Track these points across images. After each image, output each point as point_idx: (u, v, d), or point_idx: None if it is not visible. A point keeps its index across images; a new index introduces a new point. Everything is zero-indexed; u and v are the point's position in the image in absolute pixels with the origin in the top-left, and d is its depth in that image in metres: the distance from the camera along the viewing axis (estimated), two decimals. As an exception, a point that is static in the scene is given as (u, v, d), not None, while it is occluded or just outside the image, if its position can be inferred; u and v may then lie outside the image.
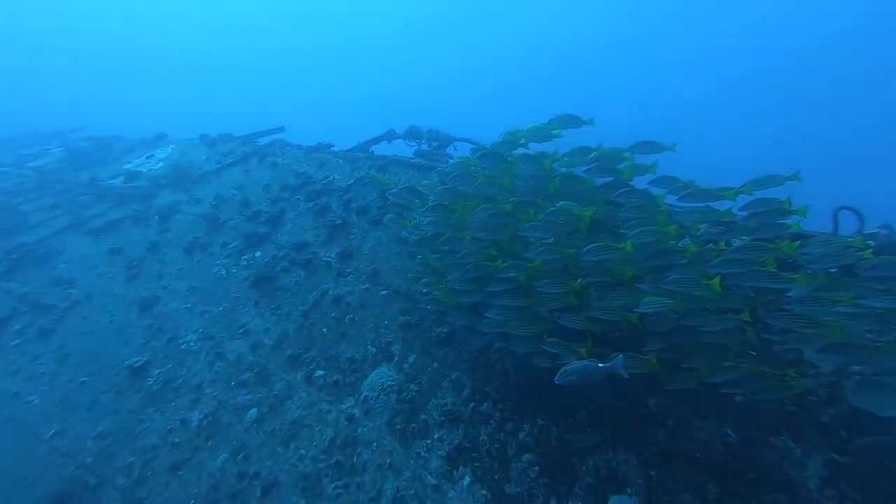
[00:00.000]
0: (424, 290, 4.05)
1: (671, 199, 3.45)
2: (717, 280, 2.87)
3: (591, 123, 3.92)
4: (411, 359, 4.32)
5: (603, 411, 3.46)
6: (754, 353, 3.10)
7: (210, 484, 3.74)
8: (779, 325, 2.84)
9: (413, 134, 8.77)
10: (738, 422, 3.13)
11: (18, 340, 5.63)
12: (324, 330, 4.79)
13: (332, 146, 9.06)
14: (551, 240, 3.32)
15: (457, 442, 3.61)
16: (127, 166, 10.34)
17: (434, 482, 3.44)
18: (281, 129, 10.57)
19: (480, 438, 3.59)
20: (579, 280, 3.28)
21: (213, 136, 10.44)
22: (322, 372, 4.37)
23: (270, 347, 4.74)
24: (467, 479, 3.39)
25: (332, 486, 3.56)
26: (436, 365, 4.22)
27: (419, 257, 4.24)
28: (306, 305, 5.05)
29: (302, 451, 3.83)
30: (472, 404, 3.82)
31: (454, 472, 3.46)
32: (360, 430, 3.88)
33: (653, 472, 3.06)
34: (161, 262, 6.33)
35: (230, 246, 6.21)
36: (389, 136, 9.17)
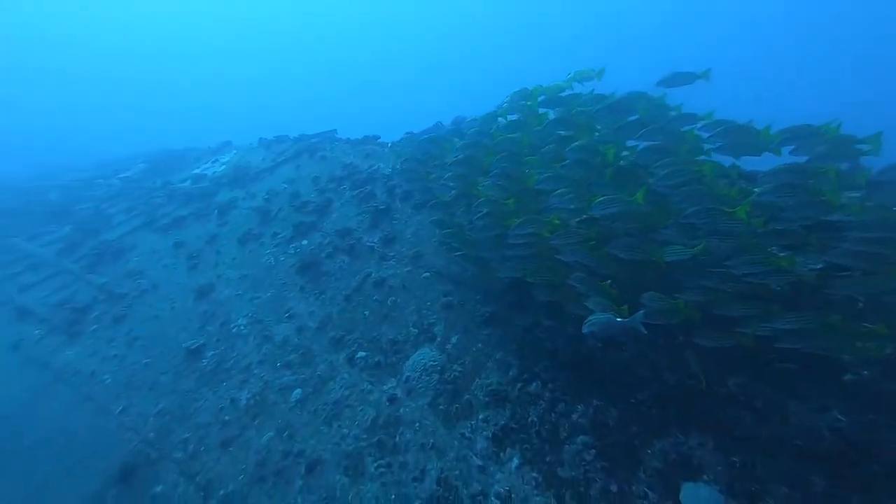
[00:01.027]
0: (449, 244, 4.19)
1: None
2: (742, 209, 2.51)
3: (600, 76, 4.04)
4: (454, 339, 4.14)
5: (670, 390, 3.07)
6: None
7: (257, 460, 3.78)
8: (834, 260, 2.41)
9: (458, 124, 8.70)
10: (849, 404, 2.63)
11: (96, 326, 6.15)
12: (366, 312, 4.74)
13: (379, 138, 9.20)
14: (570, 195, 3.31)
15: (503, 423, 3.38)
16: (195, 171, 11.19)
17: (480, 463, 3.22)
18: (333, 132, 10.89)
19: (529, 419, 3.33)
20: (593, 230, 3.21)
21: (270, 138, 11.04)
22: (364, 353, 4.31)
23: (314, 330, 4.77)
24: (516, 461, 3.15)
25: (375, 464, 3.45)
26: (480, 345, 4.00)
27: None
28: (349, 289, 5.04)
29: (344, 430, 3.76)
30: (519, 384, 3.56)
31: (501, 453, 3.23)
32: (402, 410, 3.75)
33: (735, 459, 2.65)
34: (217, 253, 6.66)
35: (279, 236, 6.40)
36: (437, 128, 9.14)
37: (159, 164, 13.11)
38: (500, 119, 4.61)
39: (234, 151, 11.54)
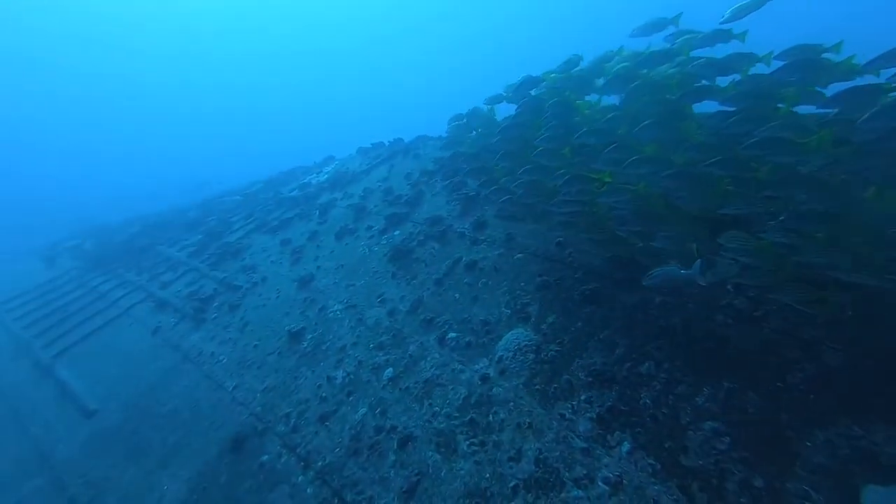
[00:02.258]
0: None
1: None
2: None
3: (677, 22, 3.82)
4: (550, 319, 3.89)
5: (835, 373, 2.52)
6: None
7: (352, 435, 3.87)
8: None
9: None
10: None
11: (216, 314, 6.94)
12: (456, 295, 4.69)
13: (473, 133, 9.28)
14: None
15: (609, 404, 3.06)
16: (302, 181, 12.38)
17: (583, 445, 2.94)
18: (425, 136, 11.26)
19: (641, 402, 2.97)
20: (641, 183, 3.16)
21: (367, 146, 11.83)
22: (455, 334, 4.24)
23: (405, 313, 4.83)
24: (627, 445, 2.81)
25: (468, 443, 3.33)
26: (580, 324, 3.71)
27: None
28: (440, 273, 5.05)
29: (436, 408, 3.71)
30: (627, 364, 3.21)
31: (608, 436, 2.92)
32: (494, 389, 3.59)
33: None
34: (317, 248, 7.16)
35: (373, 228, 6.70)
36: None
37: (274, 181, 14.79)
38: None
39: (336, 162, 12.59)
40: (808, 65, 2.86)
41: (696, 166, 3.08)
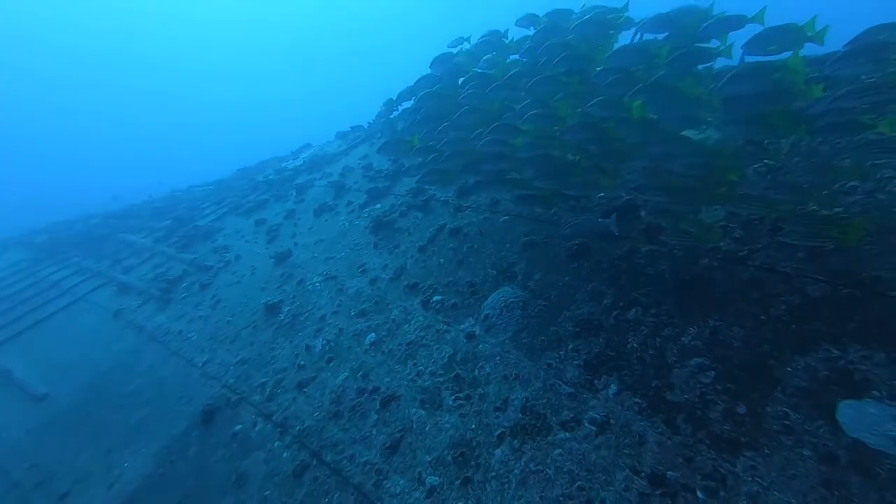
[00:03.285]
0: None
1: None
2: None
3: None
4: (537, 276, 3.93)
5: (816, 303, 2.62)
6: None
7: (332, 398, 3.82)
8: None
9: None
10: None
11: (185, 294, 6.76)
12: (441, 260, 4.69)
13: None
14: None
15: (597, 351, 3.10)
16: (278, 167, 12.22)
17: (570, 391, 2.97)
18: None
19: (629, 346, 3.03)
20: None
21: (346, 130, 11.74)
22: (439, 297, 4.24)
23: (388, 281, 4.80)
24: (613, 388, 2.86)
25: (453, 397, 3.32)
26: (567, 278, 3.76)
27: None
28: (423, 241, 5.04)
29: (420, 367, 3.69)
30: (615, 312, 3.27)
31: (595, 381, 2.96)
32: (480, 346, 3.60)
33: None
34: (295, 225, 7.06)
35: (353, 203, 6.65)
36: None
37: (248, 170, 14.53)
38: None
39: (314, 148, 12.46)
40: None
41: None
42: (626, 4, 4.03)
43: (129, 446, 4.64)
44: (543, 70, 4.02)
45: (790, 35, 3.03)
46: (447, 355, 3.67)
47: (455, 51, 5.25)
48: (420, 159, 4.90)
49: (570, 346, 3.22)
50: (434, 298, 4.26)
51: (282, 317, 5.12)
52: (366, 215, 6.17)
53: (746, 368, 2.56)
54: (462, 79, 5.08)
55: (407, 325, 4.15)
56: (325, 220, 6.67)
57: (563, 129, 3.76)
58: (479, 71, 4.95)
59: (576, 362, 3.11)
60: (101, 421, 5.17)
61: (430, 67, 5.32)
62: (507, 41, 5.04)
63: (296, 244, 6.47)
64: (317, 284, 5.35)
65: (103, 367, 6.14)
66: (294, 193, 8.21)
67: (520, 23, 4.72)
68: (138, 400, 5.19)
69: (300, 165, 10.34)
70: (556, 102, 3.96)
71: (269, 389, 4.29)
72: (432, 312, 4.15)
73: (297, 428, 3.75)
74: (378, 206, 6.21)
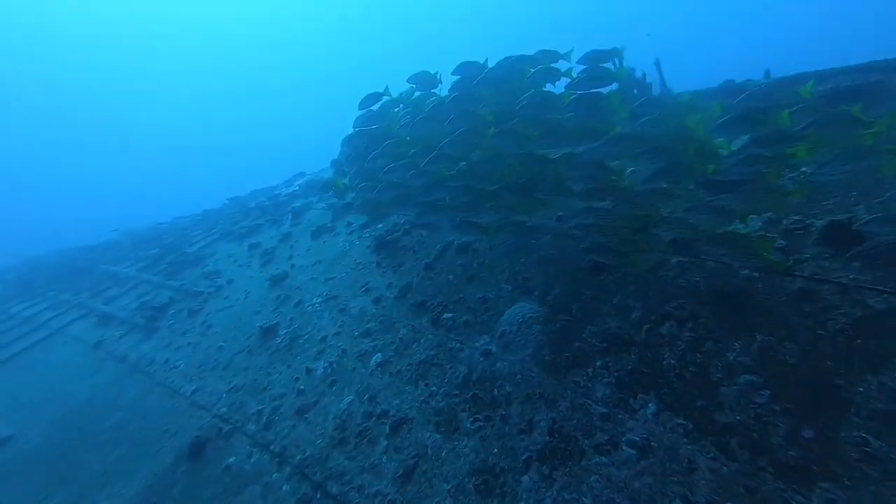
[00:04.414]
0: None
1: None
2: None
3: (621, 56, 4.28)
4: (556, 290, 3.82)
5: (882, 317, 2.53)
6: None
7: (336, 424, 3.60)
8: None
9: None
10: None
11: (172, 321, 6.53)
12: (450, 277, 4.57)
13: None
14: None
15: (630, 367, 2.96)
16: (272, 194, 12.21)
17: (603, 410, 2.81)
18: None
19: (665, 362, 2.89)
20: None
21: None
22: (450, 314, 4.10)
23: (393, 299, 4.66)
24: (652, 407, 2.70)
25: (471, 419, 3.13)
26: (589, 292, 3.65)
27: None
28: (430, 258, 4.94)
29: (433, 388, 3.51)
30: (646, 327, 3.15)
31: (630, 399, 2.80)
32: (498, 364, 3.45)
33: None
34: (291, 248, 6.95)
35: (353, 224, 6.57)
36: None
37: (238, 199, 14.51)
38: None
39: (309, 175, 12.51)
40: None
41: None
42: (572, 51, 4.32)
43: (105, 488, 4.32)
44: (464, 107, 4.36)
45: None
46: (462, 374, 3.50)
47: (376, 106, 5.53)
48: (354, 195, 5.31)
49: (599, 363, 3.08)
50: (444, 316, 4.12)
51: (278, 340, 4.93)
52: (367, 235, 6.08)
53: (807, 388, 2.43)
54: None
55: (416, 344, 3.99)
56: (324, 242, 6.57)
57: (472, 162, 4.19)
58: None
59: (606, 380, 2.96)
60: (75, 462, 4.85)
61: (359, 107, 5.57)
62: (438, 80, 5.23)
63: (293, 266, 6.34)
64: (317, 305, 5.19)
65: (78, 402, 5.84)
66: (290, 217, 8.14)
67: (456, 71, 4.88)
68: (118, 436, 4.89)
69: (296, 191, 10.33)
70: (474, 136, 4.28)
71: (265, 417, 4.06)
72: (443, 330, 4.00)
73: (298, 457, 3.51)
74: (380, 225, 6.13)
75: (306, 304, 5.29)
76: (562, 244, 4.21)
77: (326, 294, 5.29)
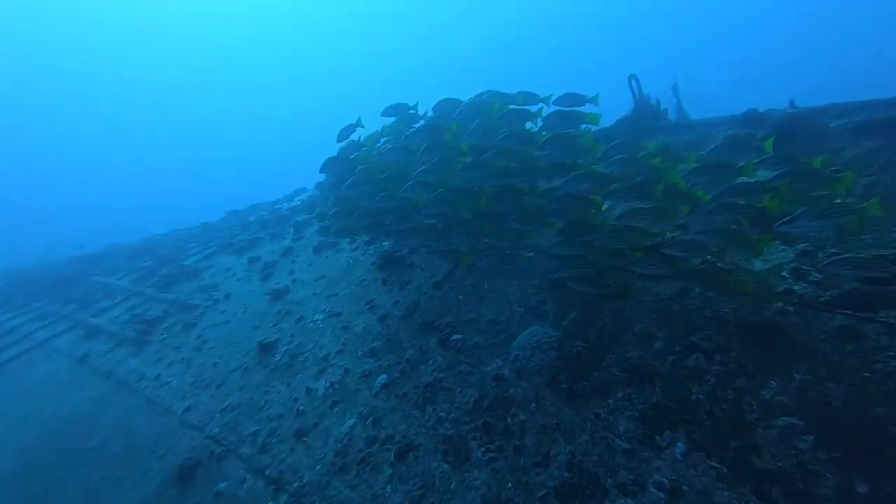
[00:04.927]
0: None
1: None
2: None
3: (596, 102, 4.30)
4: (572, 315, 3.72)
5: None
6: None
7: (337, 449, 3.44)
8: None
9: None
10: None
11: (165, 335, 6.37)
12: (459, 297, 4.47)
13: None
14: None
15: (654, 401, 2.84)
16: (273, 208, 12.17)
17: (626, 446, 2.67)
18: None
19: (693, 397, 2.77)
20: None
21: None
22: (459, 336, 3.98)
23: (399, 318, 4.54)
24: (681, 447, 2.57)
25: (482, 449, 2.98)
26: (608, 319, 3.55)
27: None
28: (439, 276, 4.85)
29: (441, 413, 3.36)
30: (670, 358, 3.04)
31: (657, 436, 2.66)
32: (511, 390, 3.31)
33: None
34: (293, 262, 6.84)
35: (358, 240, 6.49)
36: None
37: (237, 213, 14.47)
38: None
39: (310, 191, 12.50)
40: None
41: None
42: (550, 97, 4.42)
43: (85, 513, 4.11)
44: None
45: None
46: (472, 400, 3.36)
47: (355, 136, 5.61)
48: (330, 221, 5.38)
49: (620, 395, 2.95)
50: (453, 337, 4.00)
51: (278, 357, 4.77)
52: (372, 251, 5.99)
53: (857, 435, 2.31)
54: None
55: (423, 366, 3.86)
56: (327, 257, 6.48)
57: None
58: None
59: (629, 413, 2.83)
60: (52, 484, 4.61)
61: (336, 139, 5.60)
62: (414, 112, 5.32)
63: (294, 281, 6.22)
64: (318, 322, 5.06)
65: (59, 419, 5.61)
66: (292, 231, 8.06)
67: (435, 108, 4.98)
68: (101, 456, 4.68)
69: (297, 206, 10.29)
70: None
71: (261, 439, 3.88)
72: (452, 352, 3.88)
73: (296, 484, 3.33)
74: (386, 242, 6.05)
75: (308, 321, 5.16)
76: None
77: (329, 310, 5.17)
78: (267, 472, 3.55)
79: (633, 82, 5.34)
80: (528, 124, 4.29)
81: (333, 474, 3.27)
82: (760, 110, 4.95)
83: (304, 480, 3.32)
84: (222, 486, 3.64)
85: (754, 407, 2.60)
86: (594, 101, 4.25)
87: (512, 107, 4.40)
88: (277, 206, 11.72)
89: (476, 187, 4.22)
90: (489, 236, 4.36)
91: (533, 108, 4.33)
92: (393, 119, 5.38)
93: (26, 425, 5.75)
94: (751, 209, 2.95)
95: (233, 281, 7.19)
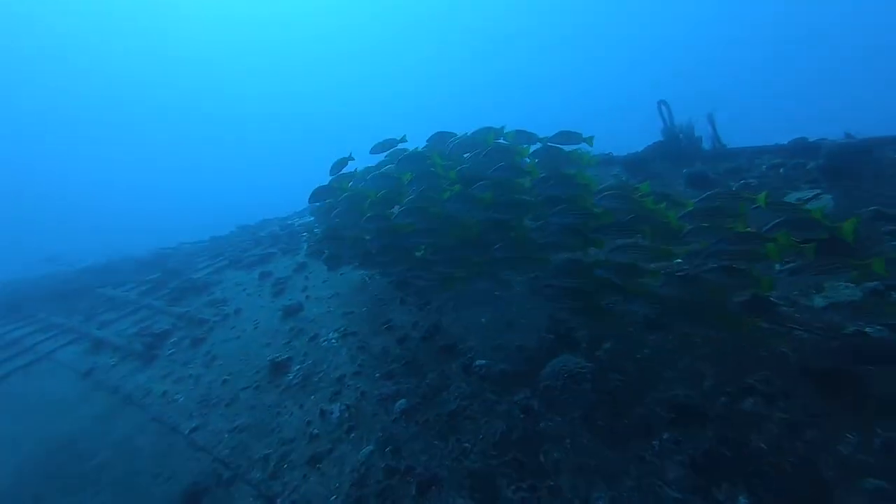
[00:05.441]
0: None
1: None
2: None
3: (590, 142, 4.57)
4: (606, 346, 3.56)
5: None
6: None
7: (354, 479, 3.26)
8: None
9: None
10: None
11: (173, 350, 6.25)
12: (483, 320, 4.33)
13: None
14: None
15: (706, 447, 2.64)
16: (284, 224, 12.16)
17: (678, 496, 2.48)
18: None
19: (753, 446, 2.57)
20: None
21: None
22: (484, 362, 3.82)
23: (419, 340, 4.40)
24: (743, 501, 2.37)
25: (512, 487, 2.80)
26: (647, 352, 3.39)
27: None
28: (461, 298, 4.71)
29: (465, 444, 3.19)
30: (722, 399, 2.86)
31: (713, 487, 2.46)
32: (542, 424, 3.14)
33: None
34: (306, 279, 6.74)
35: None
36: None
37: (246, 227, 14.49)
38: None
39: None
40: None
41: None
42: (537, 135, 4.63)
43: (82, 540, 3.93)
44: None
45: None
46: (499, 432, 3.19)
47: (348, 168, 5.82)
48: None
49: (666, 437, 2.77)
50: (477, 363, 3.84)
51: (290, 376, 4.63)
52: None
53: None
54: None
55: (446, 392, 3.69)
56: (342, 274, 6.36)
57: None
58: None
59: (678, 458, 2.64)
60: (47, 509, 4.44)
61: (329, 172, 5.80)
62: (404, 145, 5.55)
63: (307, 297, 6.11)
64: (333, 341, 4.92)
65: (60, 437, 5.44)
66: (305, 247, 7.98)
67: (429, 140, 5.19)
68: (102, 478, 4.50)
69: (311, 222, 10.25)
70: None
71: (272, 464, 3.71)
72: (476, 379, 3.71)
73: (308, 517, 3.16)
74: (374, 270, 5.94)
75: (321, 339, 5.02)
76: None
77: (344, 329, 5.03)
78: (278, 500, 3.37)
79: (664, 108, 5.29)
80: (526, 159, 4.43)
81: (350, 507, 3.09)
82: (811, 139, 4.82)
83: (319, 512, 3.15)
84: (230, 514, 3.47)
85: (831, 464, 2.39)
86: (589, 141, 4.42)
87: (501, 141, 4.57)
88: (289, 222, 11.70)
89: (463, 217, 4.34)
90: (477, 266, 4.43)
91: (532, 147, 4.49)
92: (384, 155, 5.57)
93: (24, 441, 5.60)
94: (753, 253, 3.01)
95: (243, 296, 7.09)
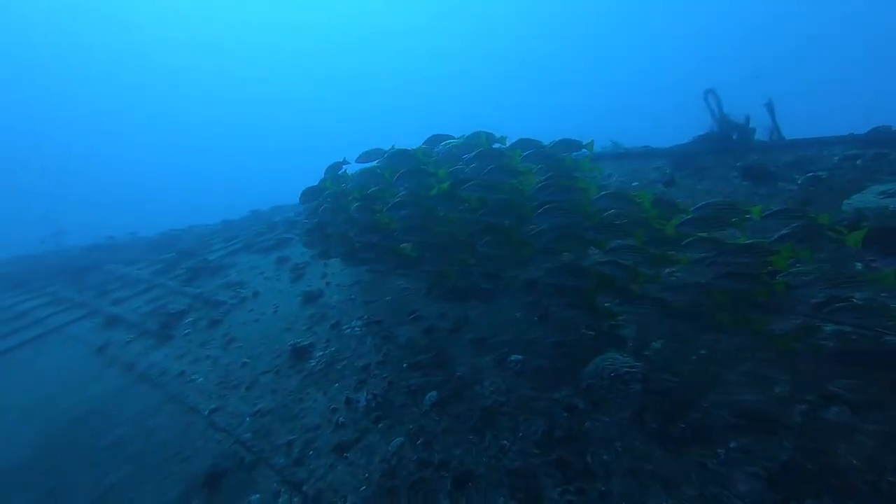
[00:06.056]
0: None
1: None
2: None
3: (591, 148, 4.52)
4: (657, 345, 3.42)
5: None
6: None
7: (384, 469, 3.15)
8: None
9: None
10: None
11: (189, 330, 6.18)
12: (517, 314, 4.20)
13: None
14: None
15: (784, 459, 2.47)
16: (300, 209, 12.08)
17: (748, 508, 2.33)
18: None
19: (842, 461, 2.41)
20: None
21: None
22: (519, 357, 3.70)
23: (447, 332, 4.28)
24: (828, 520, 2.21)
25: (559, 489, 2.67)
26: (703, 352, 3.24)
27: None
28: (492, 290, 4.58)
29: (503, 441, 3.07)
30: (800, 406, 2.70)
31: (794, 503, 2.31)
32: (587, 423, 3.01)
33: None
34: (325, 265, 6.64)
35: (397, 246, 6.28)
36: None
37: (259, 213, 14.46)
38: None
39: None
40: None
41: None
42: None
43: (98, 518, 3.86)
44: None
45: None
46: (541, 430, 3.06)
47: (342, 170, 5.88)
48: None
49: (733, 445, 2.62)
50: (512, 358, 3.71)
51: (313, 363, 4.53)
52: (415, 259, 5.76)
53: None
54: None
55: (479, 387, 3.57)
56: (364, 262, 6.26)
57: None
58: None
59: (749, 469, 2.49)
60: (64, 482, 4.35)
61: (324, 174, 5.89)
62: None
63: (328, 284, 6.01)
64: (356, 329, 4.82)
65: (74, 412, 5.38)
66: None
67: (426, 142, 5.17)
68: (117, 455, 4.43)
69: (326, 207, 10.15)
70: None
71: (296, 450, 3.61)
72: (511, 374, 3.59)
73: (338, 507, 3.05)
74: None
75: (344, 327, 4.91)
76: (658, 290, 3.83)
77: (368, 318, 4.92)
78: (304, 487, 3.27)
79: (711, 98, 5.09)
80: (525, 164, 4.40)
81: (381, 498, 2.98)
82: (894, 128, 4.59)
83: (348, 502, 3.04)
84: (254, 497, 3.37)
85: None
86: (589, 146, 4.44)
87: (497, 146, 4.61)
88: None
89: (453, 216, 4.40)
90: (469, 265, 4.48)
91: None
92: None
93: (38, 415, 5.56)
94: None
95: (261, 280, 7.01)
